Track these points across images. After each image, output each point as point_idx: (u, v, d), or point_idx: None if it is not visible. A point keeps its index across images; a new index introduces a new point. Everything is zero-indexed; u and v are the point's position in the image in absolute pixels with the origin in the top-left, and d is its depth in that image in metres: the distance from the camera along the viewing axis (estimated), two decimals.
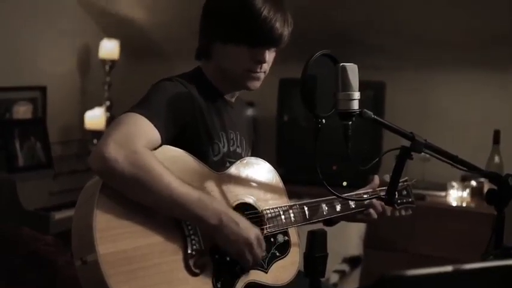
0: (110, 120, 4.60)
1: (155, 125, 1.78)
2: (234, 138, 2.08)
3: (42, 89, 4.31)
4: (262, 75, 2.01)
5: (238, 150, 2.09)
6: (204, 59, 2.05)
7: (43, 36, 4.36)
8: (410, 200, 2.34)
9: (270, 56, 1.99)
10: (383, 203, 2.20)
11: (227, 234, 1.78)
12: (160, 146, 1.81)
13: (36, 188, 3.76)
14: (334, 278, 3.49)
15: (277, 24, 1.93)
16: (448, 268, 1.12)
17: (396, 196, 2.28)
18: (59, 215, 3.59)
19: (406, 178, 2.37)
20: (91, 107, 4.57)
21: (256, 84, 2.02)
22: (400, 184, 2.31)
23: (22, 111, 4.19)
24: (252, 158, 2.07)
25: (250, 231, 1.82)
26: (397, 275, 1.08)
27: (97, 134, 4.54)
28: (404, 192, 2.34)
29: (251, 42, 1.94)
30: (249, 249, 1.82)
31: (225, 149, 2.02)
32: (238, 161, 2.01)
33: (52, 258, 2.71)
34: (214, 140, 1.98)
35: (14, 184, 3.60)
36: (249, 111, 2.30)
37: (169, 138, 1.83)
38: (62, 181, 3.87)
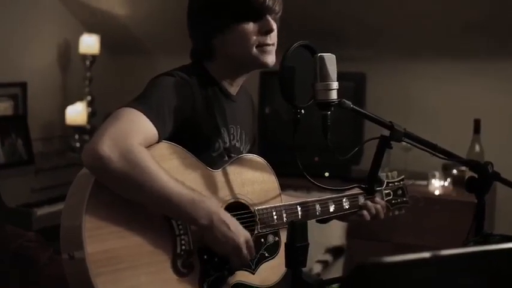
0: (91, 116, 4.59)
1: (153, 122, 1.74)
2: (234, 133, 2.05)
3: (23, 85, 4.28)
4: (273, 49, 1.96)
5: (238, 144, 2.06)
6: (207, 60, 1.99)
7: (22, 31, 4.33)
8: (404, 199, 2.34)
9: (275, 25, 1.94)
10: (377, 206, 2.20)
11: (216, 235, 1.76)
12: (158, 141, 1.77)
13: (18, 184, 3.74)
14: (317, 268, 3.50)
15: None
16: (426, 254, 1.12)
17: (391, 196, 2.29)
18: (41, 211, 3.56)
19: (403, 177, 2.37)
20: (72, 103, 4.56)
21: (272, 58, 1.95)
22: (396, 183, 2.32)
23: (3, 107, 4.16)
24: (249, 155, 2.03)
25: (239, 234, 1.80)
26: (375, 262, 1.08)
27: (78, 129, 4.52)
28: (400, 192, 2.33)
29: (253, 15, 1.90)
30: (237, 253, 1.81)
31: (225, 144, 1.99)
32: (235, 159, 1.97)
33: (34, 255, 2.69)
34: (215, 135, 1.96)
35: None
36: (252, 101, 2.26)
37: (167, 134, 1.80)
38: (43, 177, 3.84)
